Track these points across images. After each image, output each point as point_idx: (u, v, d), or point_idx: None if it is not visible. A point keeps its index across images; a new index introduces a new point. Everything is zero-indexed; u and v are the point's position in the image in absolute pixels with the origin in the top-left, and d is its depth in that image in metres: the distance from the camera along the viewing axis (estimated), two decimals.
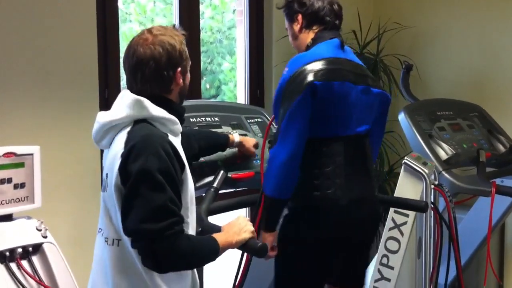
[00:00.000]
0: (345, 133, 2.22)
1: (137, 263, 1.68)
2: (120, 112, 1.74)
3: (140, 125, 1.73)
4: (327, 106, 2.16)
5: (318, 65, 2.16)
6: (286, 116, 2.11)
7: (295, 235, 2.23)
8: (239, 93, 4.05)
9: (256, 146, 2.49)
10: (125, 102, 1.75)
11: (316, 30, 2.31)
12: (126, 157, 1.66)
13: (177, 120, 1.80)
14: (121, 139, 1.72)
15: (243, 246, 1.83)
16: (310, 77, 2.13)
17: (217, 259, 1.78)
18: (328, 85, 2.14)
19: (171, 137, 1.75)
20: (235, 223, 1.86)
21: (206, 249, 1.73)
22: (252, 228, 1.86)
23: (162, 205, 1.62)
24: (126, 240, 1.68)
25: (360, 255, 2.39)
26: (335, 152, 2.19)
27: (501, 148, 3.35)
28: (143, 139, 1.67)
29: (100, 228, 1.80)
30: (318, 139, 2.18)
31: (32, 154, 2.24)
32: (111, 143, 1.77)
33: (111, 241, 1.73)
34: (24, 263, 2.16)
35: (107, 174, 1.74)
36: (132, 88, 1.80)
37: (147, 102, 1.74)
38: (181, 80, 1.82)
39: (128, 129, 1.73)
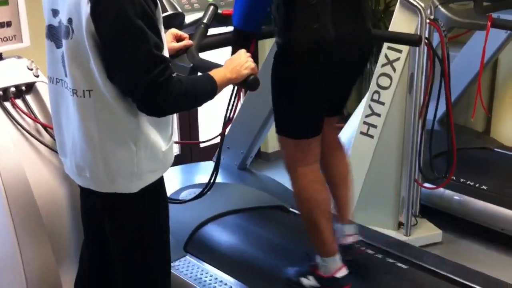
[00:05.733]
0: None
1: (119, 111, 1.60)
2: None
3: None
4: None
5: None
6: None
7: (286, 71, 2.18)
8: None
9: (177, 37, 2.05)
10: None
11: None
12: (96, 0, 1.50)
13: None
14: None
15: (243, 82, 1.82)
16: None
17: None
18: None
19: None
20: (236, 58, 1.82)
21: (201, 89, 1.70)
22: (253, 65, 1.82)
23: (148, 53, 1.52)
24: (102, 89, 1.57)
25: (346, 89, 2.35)
26: None
27: None
28: None
29: (58, 79, 1.68)
30: None
31: None
32: None
33: (81, 92, 1.59)
34: (19, 102, 2.18)
35: (70, 18, 1.56)
36: None
37: None
38: None
39: None
